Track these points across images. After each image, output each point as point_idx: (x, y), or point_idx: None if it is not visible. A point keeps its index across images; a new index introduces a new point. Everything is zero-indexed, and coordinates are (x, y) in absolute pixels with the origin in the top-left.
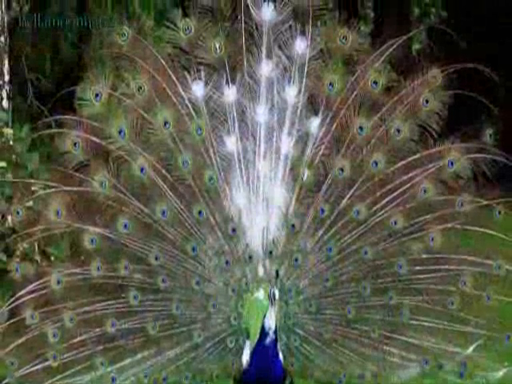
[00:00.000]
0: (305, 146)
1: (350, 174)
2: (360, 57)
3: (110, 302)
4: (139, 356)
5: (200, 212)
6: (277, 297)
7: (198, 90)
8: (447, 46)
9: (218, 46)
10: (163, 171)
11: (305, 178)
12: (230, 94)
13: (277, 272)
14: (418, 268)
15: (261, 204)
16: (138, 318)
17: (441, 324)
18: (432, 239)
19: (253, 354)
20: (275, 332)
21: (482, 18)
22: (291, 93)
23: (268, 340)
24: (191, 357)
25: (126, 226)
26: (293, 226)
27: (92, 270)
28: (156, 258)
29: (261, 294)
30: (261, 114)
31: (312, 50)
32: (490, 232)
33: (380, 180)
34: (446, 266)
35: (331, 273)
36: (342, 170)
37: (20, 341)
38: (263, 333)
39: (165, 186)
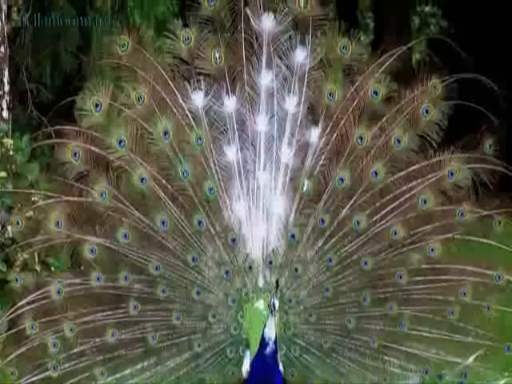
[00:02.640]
0: (305, 156)
1: (349, 184)
2: (360, 67)
3: (109, 312)
4: (139, 366)
5: (200, 222)
6: (277, 307)
7: (198, 100)
8: (447, 56)
9: (217, 56)
10: (163, 181)
11: (305, 189)
12: (230, 104)
13: (277, 282)
14: (417, 278)
15: (261, 214)
16: (138, 327)
17: (441, 334)
18: (432, 250)
19: (253, 364)
20: (275, 342)
21: (483, 28)
22: (291, 103)
23: (268, 350)
24: (191, 367)
25: (126, 236)
26: (293, 236)
27: (92, 280)
28: (156, 268)
29: (261, 304)
30: (261, 124)
31: (312, 59)
32: (490, 242)
33: (380, 190)
34: (446, 277)
35: (331, 283)
36: (341, 180)
37: (20, 351)
38: (263, 343)
39: (165, 196)
